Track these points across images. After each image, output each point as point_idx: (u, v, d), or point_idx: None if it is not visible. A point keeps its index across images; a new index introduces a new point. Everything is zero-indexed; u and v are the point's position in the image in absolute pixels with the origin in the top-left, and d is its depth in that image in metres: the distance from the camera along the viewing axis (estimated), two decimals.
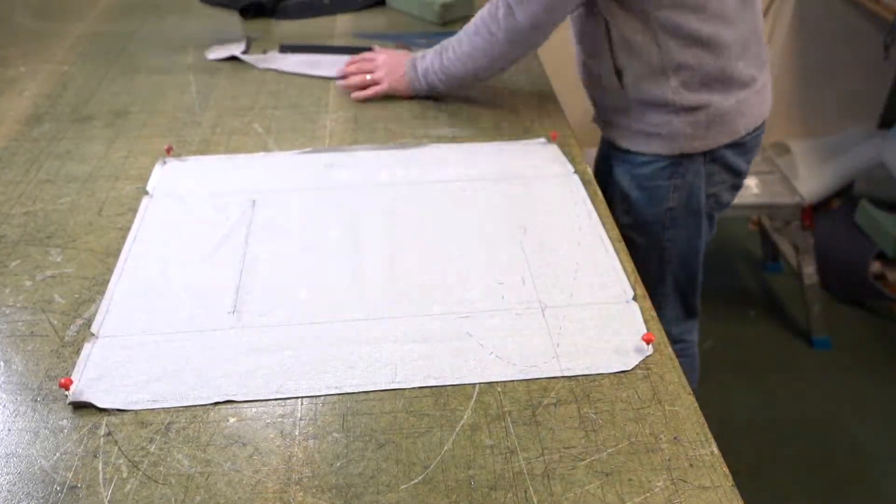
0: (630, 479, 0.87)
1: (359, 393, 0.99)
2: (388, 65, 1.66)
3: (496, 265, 1.20)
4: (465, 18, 2.13)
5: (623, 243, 1.25)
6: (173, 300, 1.14)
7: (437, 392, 0.99)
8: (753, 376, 2.54)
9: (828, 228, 2.89)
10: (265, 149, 1.54)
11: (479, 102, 1.71)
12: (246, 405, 0.98)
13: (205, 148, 1.55)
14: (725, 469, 0.88)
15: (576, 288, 1.15)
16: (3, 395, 0.99)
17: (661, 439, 0.92)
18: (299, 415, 0.96)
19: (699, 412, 0.95)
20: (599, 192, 1.37)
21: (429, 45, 1.71)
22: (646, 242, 1.64)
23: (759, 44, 1.50)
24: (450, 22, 2.15)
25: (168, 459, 0.90)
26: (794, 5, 3.04)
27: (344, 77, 1.72)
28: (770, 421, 2.38)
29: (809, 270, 2.66)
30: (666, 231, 1.61)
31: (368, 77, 1.65)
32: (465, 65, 1.54)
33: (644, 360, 1.02)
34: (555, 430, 0.93)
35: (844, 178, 3.04)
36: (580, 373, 1.01)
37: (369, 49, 1.91)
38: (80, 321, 1.11)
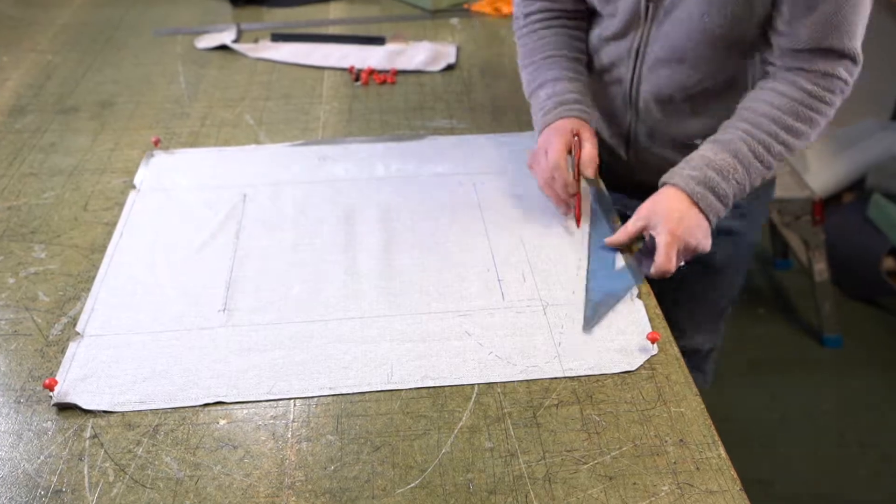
0: (634, 483, 0.87)
1: (354, 394, 0.99)
2: (671, 214, 1.16)
3: (496, 261, 1.19)
4: (457, 7, 2.13)
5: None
6: (161, 298, 1.14)
7: (435, 393, 0.99)
8: (762, 376, 2.55)
9: (839, 223, 2.89)
10: (256, 141, 1.54)
11: (477, 93, 1.71)
12: (237, 406, 0.97)
13: (194, 140, 1.54)
14: (733, 472, 0.88)
15: (578, 285, 1.15)
16: None
17: (666, 442, 0.92)
18: (292, 416, 0.96)
19: (706, 413, 0.95)
20: (602, 185, 1.37)
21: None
22: (735, 269, 1.56)
23: None
24: (441, 10, 2.15)
25: (156, 463, 0.90)
26: None
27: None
28: (780, 422, 2.38)
29: (820, 267, 2.66)
30: (753, 249, 1.57)
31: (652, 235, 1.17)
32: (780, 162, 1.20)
33: (649, 359, 1.02)
34: (556, 433, 0.93)
35: (856, 172, 3.04)
36: (583, 373, 1.01)
37: (368, 38, 1.91)
38: (64, 319, 1.11)
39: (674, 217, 1.13)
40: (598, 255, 1.20)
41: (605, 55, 1.37)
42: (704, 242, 1.15)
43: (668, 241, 1.12)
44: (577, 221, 1.18)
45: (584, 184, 1.27)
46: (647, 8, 1.25)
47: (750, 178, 1.16)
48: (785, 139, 1.16)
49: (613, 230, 1.22)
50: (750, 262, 1.56)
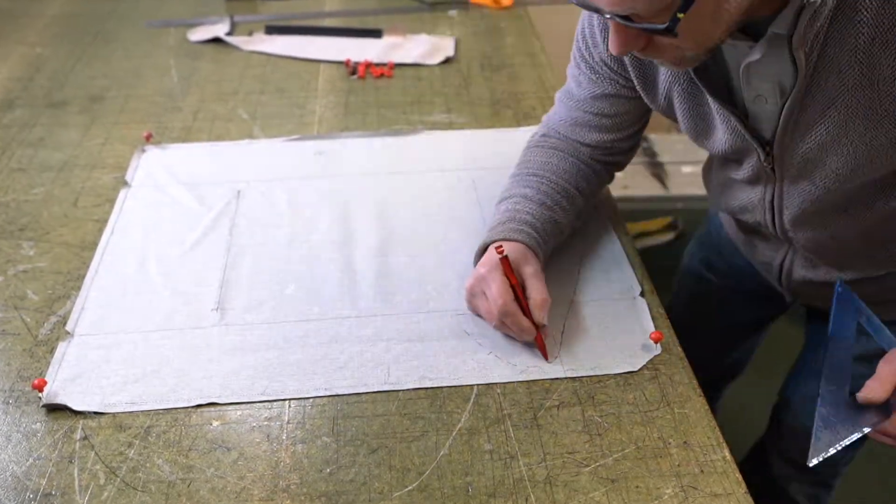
0: (637, 486, 0.87)
1: (350, 395, 0.99)
2: None
3: None
4: None
5: (630, 237, 1.24)
6: (153, 297, 1.14)
7: (433, 394, 0.99)
8: (769, 376, 2.54)
9: None
10: (250, 136, 1.53)
11: (476, 87, 1.70)
12: (230, 408, 0.97)
13: (186, 135, 1.54)
14: (738, 475, 0.88)
15: (580, 283, 1.15)
16: None
17: (670, 444, 0.92)
18: (286, 418, 0.96)
19: (710, 415, 0.95)
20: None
21: None
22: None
23: None
24: (439, 2, 2.14)
25: (147, 465, 0.90)
26: None
27: None
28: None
29: None
30: None
31: None
32: None
33: (652, 359, 1.02)
34: (557, 434, 0.93)
35: None
36: (584, 373, 1.01)
37: (365, 31, 1.91)
38: (54, 319, 1.11)
39: None
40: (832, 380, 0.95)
41: (734, 198, 1.15)
42: None
43: None
44: (545, 356, 1.03)
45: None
46: (772, 167, 1.01)
47: None
48: None
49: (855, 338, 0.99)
50: None
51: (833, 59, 0.84)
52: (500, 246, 1.04)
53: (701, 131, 1.06)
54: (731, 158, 1.08)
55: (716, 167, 1.19)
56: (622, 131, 1.18)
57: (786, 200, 1.04)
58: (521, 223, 1.11)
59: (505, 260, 1.03)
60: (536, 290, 1.04)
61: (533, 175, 1.18)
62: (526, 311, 1.02)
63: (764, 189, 1.06)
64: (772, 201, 1.06)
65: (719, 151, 1.05)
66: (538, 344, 1.03)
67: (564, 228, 1.16)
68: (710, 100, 0.97)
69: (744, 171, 1.06)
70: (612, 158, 1.23)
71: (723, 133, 1.01)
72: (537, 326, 1.02)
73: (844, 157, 0.92)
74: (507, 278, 1.03)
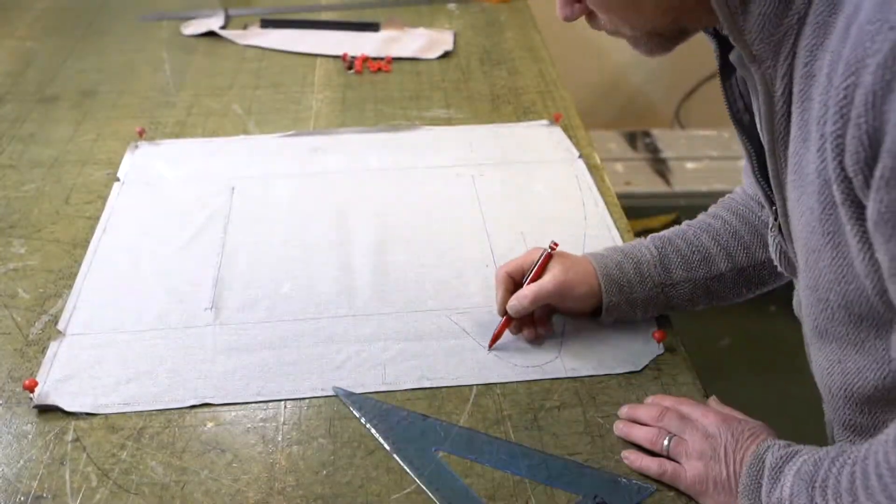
0: (639, 489, 0.87)
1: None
2: (708, 455, 0.87)
3: (495, 257, 1.19)
4: None
5: (632, 234, 1.25)
6: (146, 295, 1.14)
7: (432, 394, 0.99)
8: (774, 377, 2.54)
9: None
10: (245, 132, 1.53)
11: (476, 81, 1.70)
12: (224, 409, 0.97)
13: (180, 130, 1.54)
14: None
15: None
16: None
17: None
18: (282, 419, 0.96)
19: None
20: (607, 179, 1.37)
21: None
22: None
23: None
24: None
25: (140, 467, 0.90)
26: None
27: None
28: (791, 425, 2.38)
29: None
30: None
31: (665, 443, 0.90)
32: None
33: (655, 359, 1.02)
34: (558, 436, 0.93)
35: None
36: (586, 373, 1.01)
37: (362, 24, 1.91)
38: (45, 318, 1.11)
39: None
40: None
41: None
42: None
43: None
44: (490, 343, 1.04)
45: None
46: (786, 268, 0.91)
47: None
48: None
49: None
50: None
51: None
52: (556, 245, 1.05)
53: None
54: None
55: None
56: None
57: (804, 300, 0.86)
58: (610, 250, 1.08)
59: (548, 256, 1.04)
60: (529, 285, 1.02)
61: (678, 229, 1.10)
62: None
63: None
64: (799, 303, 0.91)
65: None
66: (498, 328, 1.04)
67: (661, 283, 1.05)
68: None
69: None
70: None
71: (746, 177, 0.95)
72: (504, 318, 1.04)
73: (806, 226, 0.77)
74: (529, 261, 1.04)
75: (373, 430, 0.93)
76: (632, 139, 2.86)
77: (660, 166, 2.78)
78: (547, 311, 1.07)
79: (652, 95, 2.99)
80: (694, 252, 1.06)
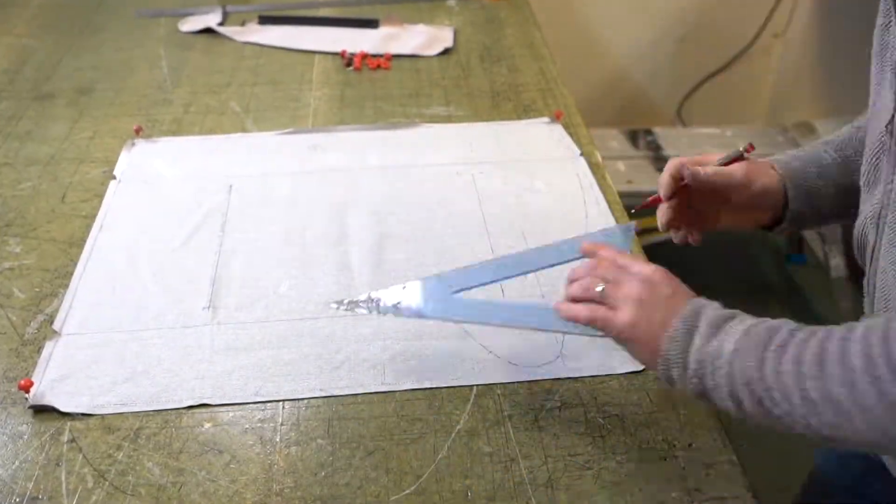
0: (641, 490, 0.87)
1: (345, 395, 0.99)
2: (643, 300, 0.84)
3: (495, 256, 1.19)
4: None
5: (634, 233, 1.24)
6: (143, 294, 1.14)
7: (431, 395, 0.99)
8: None
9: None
10: (243, 129, 1.53)
11: (476, 78, 1.70)
12: (222, 409, 0.97)
13: (177, 128, 1.54)
14: (745, 480, 0.88)
15: None
16: None
17: (675, 446, 0.92)
18: (280, 419, 0.96)
19: (716, 417, 0.95)
20: (608, 177, 1.37)
21: None
22: None
23: None
24: None
25: (137, 468, 0.90)
26: None
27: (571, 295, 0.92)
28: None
29: (837, 262, 2.65)
30: None
31: (599, 289, 0.87)
32: (802, 409, 0.73)
33: None
34: (559, 436, 0.93)
35: None
36: (587, 374, 1.01)
37: (361, 21, 1.91)
38: (41, 317, 1.11)
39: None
40: None
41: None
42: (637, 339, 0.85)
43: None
44: (637, 207, 1.06)
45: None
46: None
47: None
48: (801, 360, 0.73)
49: None
50: None
51: None
52: (751, 145, 0.99)
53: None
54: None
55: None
56: None
57: (891, 206, 0.82)
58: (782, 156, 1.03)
59: (741, 158, 0.99)
60: (696, 166, 0.98)
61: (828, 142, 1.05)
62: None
63: (879, 195, 0.85)
64: (880, 213, 0.84)
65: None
66: (649, 200, 1.04)
67: (834, 175, 1.01)
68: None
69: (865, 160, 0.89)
70: None
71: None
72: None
73: None
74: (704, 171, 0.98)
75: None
76: (633, 137, 2.86)
77: (662, 164, 2.76)
78: (704, 219, 1.01)
79: (653, 93, 2.99)
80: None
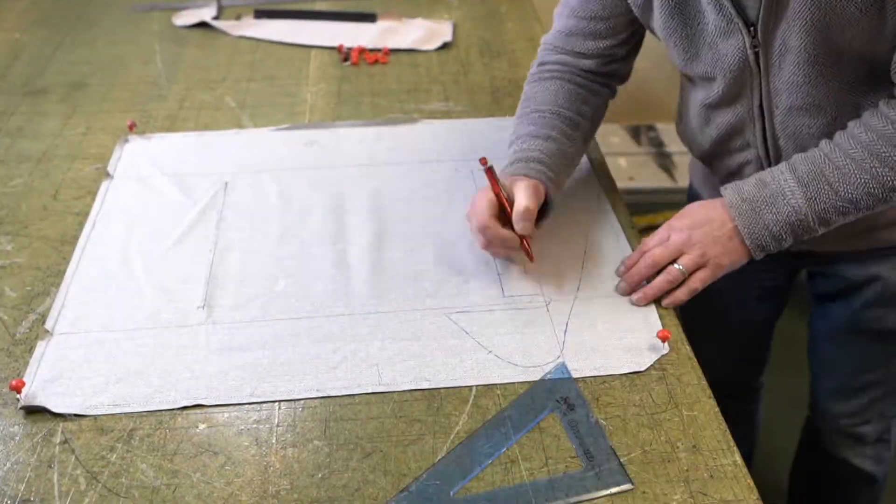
0: (644, 492, 0.87)
1: (342, 396, 0.98)
2: (698, 233, 1.10)
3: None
4: None
5: (636, 230, 1.24)
6: (136, 293, 1.14)
7: (430, 395, 0.99)
8: (782, 376, 2.54)
9: None
10: (238, 125, 1.53)
11: (475, 73, 1.70)
12: (217, 410, 0.97)
13: (171, 124, 1.54)
14: (750, 481, 0.88)
15: (583, 279, 1.15)
16: None
17: (678, 448, 0.92)
18: (276, 420, 0.96)
19: (720, 417, 0.95)
20: (609, 173, 1.37)
21: None
22: None
23: None
24: None
25: (131, 470, 0.90)
26: None
27: (633, 288, 1.13)
28: (800, 427, 2.38)
29: None
30: None
31: (679, 267, 1.10)
32: (879, 194, 1.05)
33: (659, 359, 1.02)
34: (560, 438, 0.93)
35: None
36: (588, 374, 1.01)
37: (358, 15, 1.90)
38: (32, 316, 1.11)
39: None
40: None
41: (717, 126, 1.22)
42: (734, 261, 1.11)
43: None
44: (530, 257, 1.13)
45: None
46: (756, 56, 1.09)
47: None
48: (872, 168, 1.03)
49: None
50: None
51: None
52: (484, 158, 1.13)
53: (677, 27, 1.13)
54: (707, 77, 1.16)
55: (692, 105, 1.27)
56: (616, 36, 1.25)
57: (774, 99, 1.11)
58: (530, 160, 1.17)
59: (489, 171, 1.12)
60: (520, 200, 1.10)
61: (535, 111, 1.25)
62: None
63: (750, 97, 1.14)
64: (760, 106, 1.14)
65: (696, 51, 1.14)
66: (523, 249, 1.13)
67: (574, 156, 1.25)
68: None
69: (721, 82, 1.14)
70: (610, 68, 1.30)
71: (708, 16, 1.09)
72: (523, 238, 1.12)
73: (819, 32, 1.01)
74: (494, 195, 1.12)
75: None
76: (635, 133, 2.86)
77: (664, 161, 2.78)
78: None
79: (656, 88, 2.98)
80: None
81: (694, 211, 1.13)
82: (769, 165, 1.17)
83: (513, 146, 1.22)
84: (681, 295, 1.09)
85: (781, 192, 1.06)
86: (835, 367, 1.47)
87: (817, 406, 1.56)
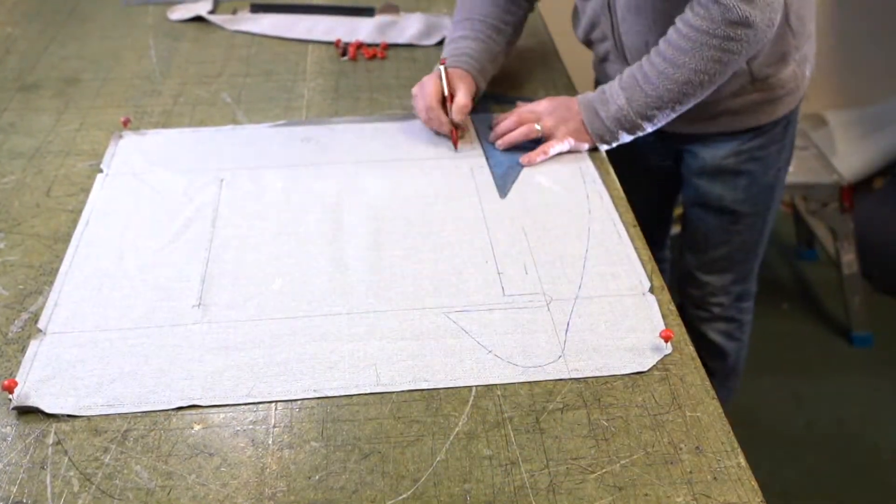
0: (646, 495, 0.87)
1: (340, 396, 0.99)
2: (557, 112, 1.43)
3: (495, 253, 1.19)
4: None
5: (638, 228, 1.24)
6: (131, 292, 1.14)
7: (429, 396, 0.99)
8: (786, 377, 2.55)
9: (869, 211, 2.89)
10: (234, 121, 1.53)
11: None
12: (213, 410, 0.97)
13: (166, 120, 1.54)
14: (754, 483, 0.88)
15: (585, 278, 1.15)
16: None
17: (681, 449, 0.92)
18: (273, 421, 0.96)
19: (724, 418, 0.95)
20: (612, 171, 1.37)
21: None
22: (753, 211, 1.70)
23: None
24: None
25: (125, 471, 0.90)
26: None
27: (499, 135, 1.45)
28: (804, 427, 2.38)
29: (849, 258, 2.66)
30: (775, 192, 1.71)
31: (538, 127, 1.41)
32: (678, 91, 1.35)
33: (662, 359, 1.02)
34: (561, 439, 0.93)
35: (888, 154, 3.04)
36: (590, 374, 1.01)
37: (356, 9, 1.91)
38: (25, 315, 1.11)
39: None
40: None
41: (584, 19, 1.57)
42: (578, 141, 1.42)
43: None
44: (455, 144, 1.43)
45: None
46: None
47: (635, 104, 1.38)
48: (664, 69, 1.34)
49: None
50: (773, 208, 1.72)
51: None
52: (444, 59, 1.49)
53: None
54: None
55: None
56: None
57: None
58: (462, 55, 1.51)
59: (447, 71, 1.45)
60: (460, 96, 1.43)
61: (466, 19, 1.56)
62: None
63: None
64: (608, 3, 1.48)
65: None
66: (451, 137, 1.44)
67: (498, 55, 1.58)
68: None
69: None
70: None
71: None
72: (456, 126, 1.43)
73: None
74: (441, 86, 1.44)
75: None
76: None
77: None
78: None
79: None
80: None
81: (562, 100, 1.45)
82: (622, 57, 1.52)
83: (449, 45, 1.55)
84: (534, 155, 1.39)
85: (612, 95, 1.39)
86: (694, 242, 1.77)
87: (680, 279, 1.87)
